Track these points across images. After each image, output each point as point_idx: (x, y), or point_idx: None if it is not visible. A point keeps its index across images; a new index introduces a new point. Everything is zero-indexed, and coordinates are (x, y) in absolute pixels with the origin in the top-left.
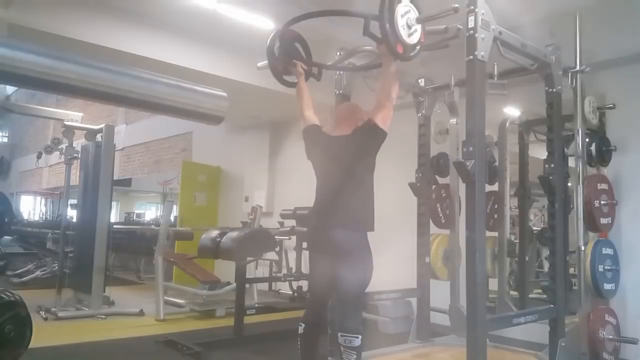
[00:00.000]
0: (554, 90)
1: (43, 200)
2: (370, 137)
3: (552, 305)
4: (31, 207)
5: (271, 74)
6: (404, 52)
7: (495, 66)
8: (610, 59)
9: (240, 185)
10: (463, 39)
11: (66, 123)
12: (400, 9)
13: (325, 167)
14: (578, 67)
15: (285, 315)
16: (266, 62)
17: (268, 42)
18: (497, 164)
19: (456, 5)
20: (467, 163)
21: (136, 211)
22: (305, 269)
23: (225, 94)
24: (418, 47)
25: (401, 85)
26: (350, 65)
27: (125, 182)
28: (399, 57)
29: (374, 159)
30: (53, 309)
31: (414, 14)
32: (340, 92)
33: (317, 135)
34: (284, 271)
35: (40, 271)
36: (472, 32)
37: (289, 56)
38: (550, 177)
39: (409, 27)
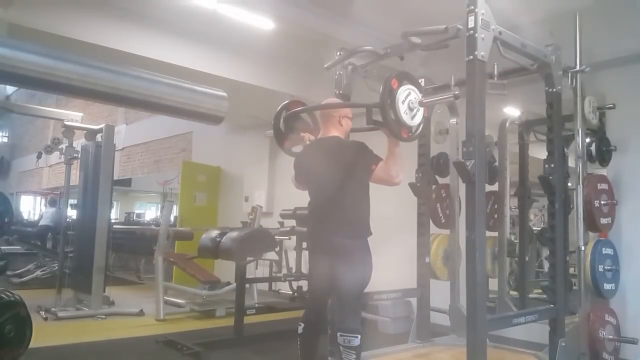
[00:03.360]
0: (554, 90)
1: (43, 201)
2: (363, 166)
3: (552, 305)
4: (31, 207)
5: (270, 75)
6: (408, 137)
7: (495, 66)
8: (610, 59)
9: (240, 185)
10: (463, 38)
11: (66, 123)
12: (400, 95)
13: (317, 169)
14: (578, 67)
15: (285, 315)
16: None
17: (273, 120)
18: (497, 164)
19: (457, 92)
20: (467, 163)
21: (136, 211)
22: (305, 269)
23: (225, 94)
24: (422, 125)
25: None
26: (350, 64)
27: (125, 182)
28: (404, 141)
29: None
30: (53, 309)
31: (414, 94)
32: (340, 92)
33: (303, 150)
34: (284, 271)
35: (40, 271)
36: (472, 32)
37: (295, 130)
38: (550, 177)
39: (411, 109)
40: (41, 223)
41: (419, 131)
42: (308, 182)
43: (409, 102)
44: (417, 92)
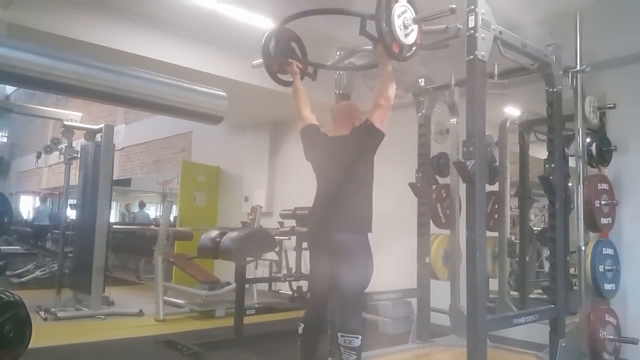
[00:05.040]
0: (555, 90)
1: (36, 199)
2: (367, 137)
3: (552, 306)
4: (30, 207)
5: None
6: (399, 52)
7: (496, 66)
8: (611, 58)
9: (239, 185)
10: (463, 38)
11: (65, 123)
12: (397, 9)
13: (325, 168)
14: (578, 67)
15: (285, 315)
16: (261, 60)
17: (263, 41)
18: (497, 163)
19: (453, 5)
20: (468, 163)
21: (136, 211)
22: (305, 269)
23: (224, 94)
24: (414, 48)
25: (401, 85)
26: (350, 64)
27: (125, 182)
28: (395, 57)
29: (372, 159)
30: (52, 309)
31: (410, 14)
32: (340, 91)
33: (316, 135)
34: (284, 271)
35: (40, 271)
36: (472, 31)
37: (285, 55)
38: (551, 177)
39: (406, 27)
40: (36, 222)
41: (410, 53)
42: (316, 175)
43: (404, 19)
44: (413, 12)
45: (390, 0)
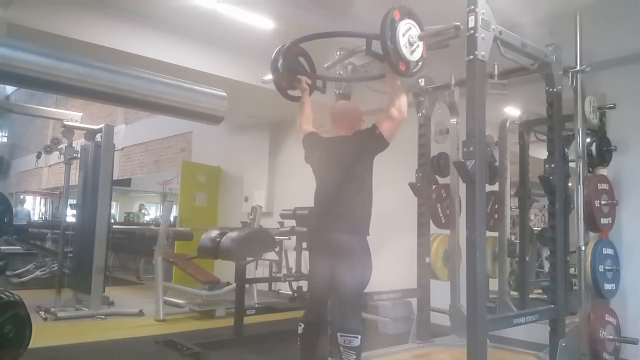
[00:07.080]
0: (555, 90)
1: (43, 200)
2: (370, 142)
3: (552, 306)
4: (31, 207)
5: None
6: (406, 70)
7: (496, 66)
8: (611, 58)
9: (240, 185)
10: (463, 38)
11: (65, 123)
12: (401, 28)
13: (323, 168)
14: (578, 67)
15: (285, 315)
16: (271, 77)
17: (272, 57)
18: (497, 163)
19: (457, 23)
20: (468, 163)
21: (135, 211)
22: (305, 269)
23: (225, 94)
24: (420, 63)
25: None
26: (350, 64)
27: (125, 182)
28: (402, 75)
29: (371, 162)
30: (52, 309)
31: (415, 30)
32: (340, 91)
33: (315, 139)
34: (284, 271)
35: (40, 271)
36: (472, 31)
37: (293, 72)
38: (551, 177)
39: (411, 44)
40: (16, 222)
41: (417, 69)
42: (315, 176)
43: (409, 36)
44: (418, 28)
45: (394, 19)
